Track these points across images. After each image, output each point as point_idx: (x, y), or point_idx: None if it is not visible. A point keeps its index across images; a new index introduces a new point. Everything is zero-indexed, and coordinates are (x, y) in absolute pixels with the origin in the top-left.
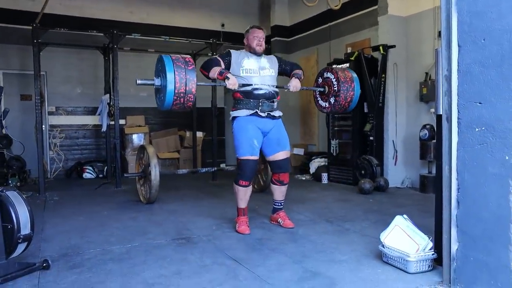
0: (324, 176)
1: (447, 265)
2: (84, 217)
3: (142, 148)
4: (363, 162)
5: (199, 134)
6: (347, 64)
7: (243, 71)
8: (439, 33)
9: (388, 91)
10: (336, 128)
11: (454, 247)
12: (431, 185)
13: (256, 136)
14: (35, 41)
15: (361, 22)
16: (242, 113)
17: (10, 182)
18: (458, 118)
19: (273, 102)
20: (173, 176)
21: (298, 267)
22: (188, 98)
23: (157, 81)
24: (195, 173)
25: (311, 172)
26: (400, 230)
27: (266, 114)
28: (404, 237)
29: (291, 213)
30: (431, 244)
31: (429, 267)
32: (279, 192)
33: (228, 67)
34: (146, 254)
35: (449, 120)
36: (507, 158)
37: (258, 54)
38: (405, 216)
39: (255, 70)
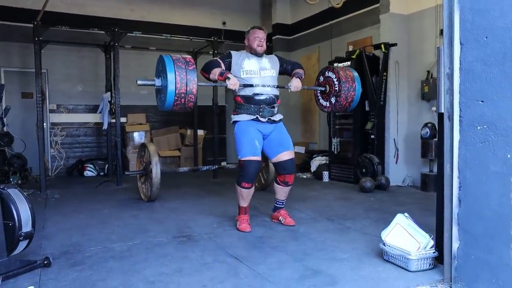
0: (325, 174)
1: (448, 263)
2: (85, 215)
3: (143, 146)
4: (364, 161)
5: (200, 132)
6: (349, 63)
7: (244, 72)
8: (441, 31)
9: (389, 89)
10: (337, 126)
11: (455, 245)
12: (432, 184)
13: (257, 137)
14: (36, 39)
15: (363, 20)
16: (243, 117)
17: (11, 180)
18: (460, 117)
19: (274, 107)
20: (174, 174)
21: (299, 265)
22: (189, 98)
23: (158, 82)
24: (196, 171)
25: (312, 170)
26: (401, 228)
27: (266, 119)
28: (405, 235)
29: (292, 211)
30: (432, 243)
31: (430, 265)
32: (282, 192)
33: (228, 68)
34: (147, 252)
35: (451, 118)
36: (509, 156)
37: (259, 55)
38: (406, 214)
39: (256, 71)
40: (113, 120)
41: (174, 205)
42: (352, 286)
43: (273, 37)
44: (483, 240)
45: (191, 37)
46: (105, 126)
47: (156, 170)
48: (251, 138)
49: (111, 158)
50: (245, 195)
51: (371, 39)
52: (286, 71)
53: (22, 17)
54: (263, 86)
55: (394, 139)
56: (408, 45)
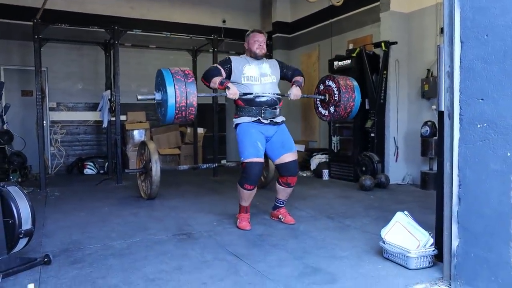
0: (325, 172)
1: (447, 261)
2: (85, 212)
3: (143, 144)
4: (364, 159)
5: (200, 130)
6: (349, 61)
7: (245, 78)
8: (442, 29)
9: (389, 87)
10: (337, 125)
11: (455, 243)
12: (432, 182)
13: (259, 139)
14: (36, 37)
15: (363, 18)
16: (244, 120)
17: (11, 177)
18: (460, 115)
19: (275, 109)
20: (174, 172)
21: (299, 263)
22: (189, 111)
23: (158, 96)
24: (196, 169)
25: (312, 169)
26: (401, 227)
27: (268, 121)
28: (404, 233)
29: (292, 209)
30: (431, 240)
31: (429, 263)
32: (284, 193)
33: (229, 74)
34: (147, 249)
35: (451, 116)
36: (509, 154)
37: (259, 58)
38: (406, 212)
39: (257, 78)
40: (113, 118)
41: (174, 203)
42: (352, 284)
43: (273, 35)
44: (482, 238)
45: (191, 35)
46: (105, 124)
47: (156, 168)
48: (253, 140)
49: (111, 156)
50: (247, 196)
51: (372, 37)
52: (286, 76)
53: (22, 15)
54: (264, 92)
55: (394, 138)
56: (408, 43)
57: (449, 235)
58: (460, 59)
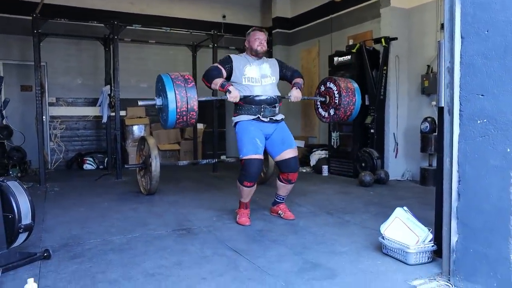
0: (325, 168)
1: (446, 257)
2: (85, 208)
3: (142, 140)
4: (364, 155)
5: (200, 126)
6: (349, 56)
7: (245, 79)
8: (442, 25)
9: (389, 83)
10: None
11: (454, 239)
12: (432, 178)
13: (258, 136)
14: (35, 31)
15: (363, 14)
16: (244, 118)
17: (10, 172)
18: (460, 111)
19: (275, 107)
20: (174, 167)
21: (298, 259)
22: (190, 115)
23: (159, 101)
24: (196, 164)
25: (311, 165)
26: (400, 222)
27: (268, 119)
28: (404, 229)
29: (291, 205)
30: (431, 236)
31: (428, 258)
32: (284, 189)
33: (230, 73)
34: (147, 244)
35: (451, 112)
36: (508, 150)
37: (260, 56)
38: (405, 208)
39: (257, 79)
40: (113, 114)
41: (174, 198)
42: (351, 279)
43: (273, 31)
44: (482, 234)
45: (191, 31)
46: (104, 120)
47: (155, 163)
48: (252, 137)
49: (111, 152)
50: (247, 193)
51: (372, 33)
52: (285, 77)
53: (21, 10)
54: (264, 92)
55: (393, 134)
56: (408, 39)
57: (448, 231)
58: (461, 54)
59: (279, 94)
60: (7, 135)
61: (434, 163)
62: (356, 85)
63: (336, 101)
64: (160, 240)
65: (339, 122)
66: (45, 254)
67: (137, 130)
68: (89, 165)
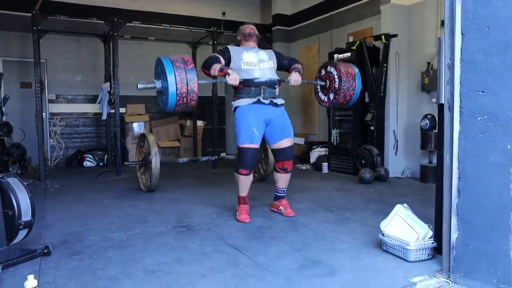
0: (325, 165)
1: (446, 253)
2: (85, 205)
3: (142, 137)
4: (364, 152)
5: (200, 123)
6: (349, 54)
7: (244, 64)
8: (442, 22)
9: (389, 80)
10: (337, 118)
11: (454, 236)
12: (432, 175)
13: (256, 124)
14: (34, 28)
15: (363, 11)
16: (244, 102)
17: (10, 169)
18: (460, 107)
19: (275, 88)
20: (174, 164)
21: (298, 256)
22: (191, 97)
23: (158, 84)
24: (196, 161)
25: (311, 162)
26: (400, 219)
27: (268, 101)
28: (404, 226)
29: (291, 202)
30: (431, 233)
31: (428, 255)
32: (283, 179)
33: (228, 62)
34: (147, 241)
35: (451, 109)
36: (509, 147)
37: (254, 42)
38: (405, 205)
39: (255, 63)
40: (112, 111)
41: (174, 195)
42: (351, 276)
43: (273, 28)
44: (482, 231)
45: (191, 28)
46: (104, 117)
47: (155, 160)
48: (249, 125)
49: (111, 149)
50: (243, 182)
51: (372, 30)
52: (283, 66)
53: (20, 6)
54: (263, 75)
55: (393, 131)
56: (408, 36)
57: (448, 228)
58: (461, 51)
59: (278, 78)
60: (7, 132)
61: (434, 160)
62: (356, 70)
63: (336, 85)
64: (160, 237)
65: (339, 107)
66: (45, 251)
67: (137, 127)
68: (89, 162)
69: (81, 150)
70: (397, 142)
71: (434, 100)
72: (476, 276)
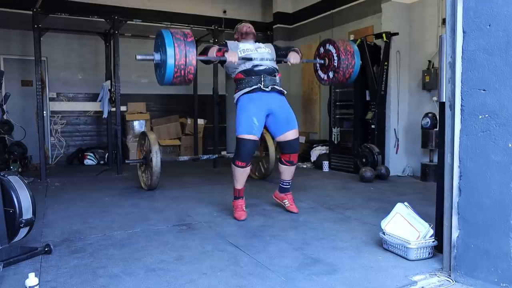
0: (325, 164)
1: (447, 252)
2: (86, 203)
3: (143, 135)
4: (365, 150)
5: (201, 121)
6: None
7: (242, 52)
8: (443, 20)
9: (390, 79)
10: (337, 116)
11: (455, 234)
12: (432, 174)
13: (257, 114)
14: (35, 26)
15: (364, 9)
16: (245, 91)
17: (11, 167)
18: (462, 106)
19: (275, 76)
20: (174, 163)
21: (298, 254)
22: (188, 70)
23: (157, 56)
24: (196, 160)
25: (312, 160)
26: (401, 218)
27: (270, 88)
28: (404, 225)
29: None
30: (431, 232)
31: (429, 254)
32: (288, 172)
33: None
34: (148, 240)
35: (452, 107)
36: (510, 145)
37: (250, 38)
38: (406, 203)
39: (253, 49)
40: (113, 109)
41: (174, 194)
42: (352, 275)
43: (274, 26)
44: (483, 230)
45: (192, 26)
46: (105, 115)
47: (156, 159)
48: (250, 115)
49: (111, 147)
50: (239, 174)
51: (373, 29)
52: (282, 56)
53: (21, 4)
54: (262, 59)
55: (394, 129)
56: (409, 34)
57: (449, 226)
58: (462, 49)
59: (277, 59)
60: (8, 130)
61: (435, 159)
62: (355, 47)
63: (335, 63)
64: (161, 235)
65: (340, 84)
66: (46, 249)
67: (138, 125)
68: (90, 161)
69: (82, 148)
70: (398, 141)
71: (435, 98)
72: (477, 275)
